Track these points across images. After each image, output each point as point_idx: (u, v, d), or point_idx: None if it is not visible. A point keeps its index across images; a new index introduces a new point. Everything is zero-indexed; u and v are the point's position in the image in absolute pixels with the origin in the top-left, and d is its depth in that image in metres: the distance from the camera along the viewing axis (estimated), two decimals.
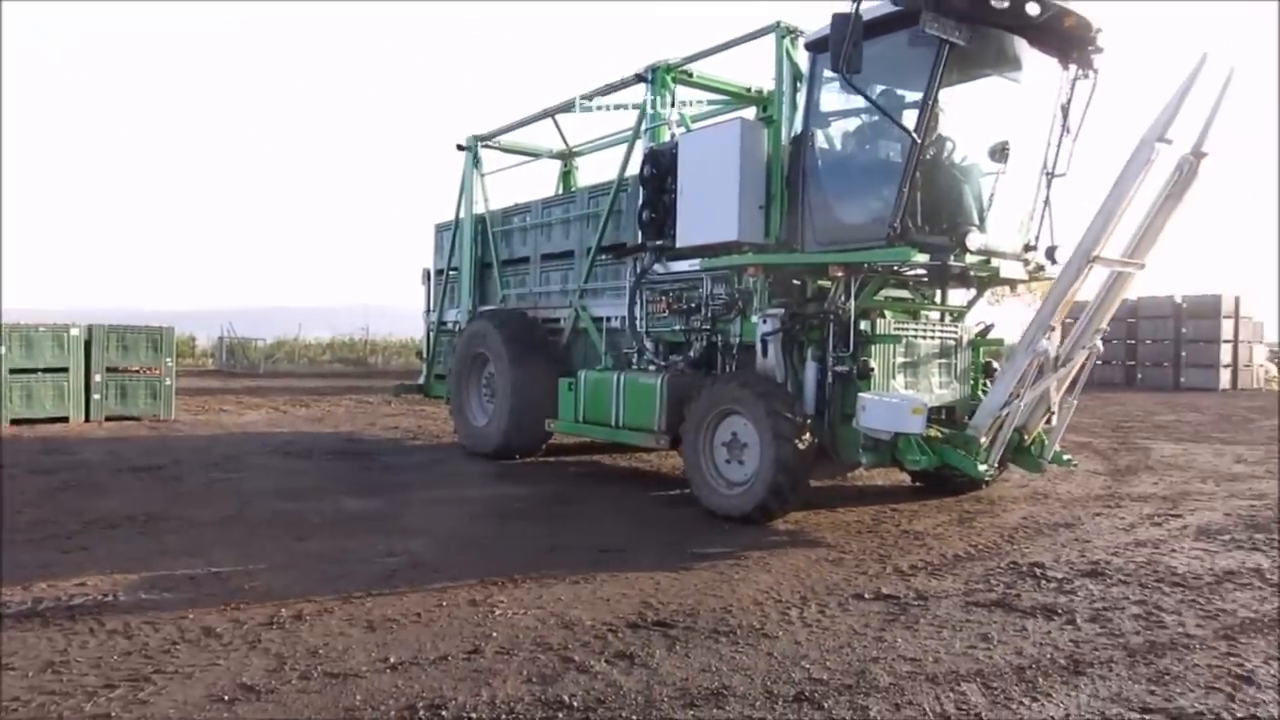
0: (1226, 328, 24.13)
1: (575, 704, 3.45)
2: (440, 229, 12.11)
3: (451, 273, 11.64)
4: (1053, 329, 6.34)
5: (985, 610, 4.73)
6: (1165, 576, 5.42)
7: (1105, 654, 4.09)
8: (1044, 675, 3.83)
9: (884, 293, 7.22)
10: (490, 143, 11.33)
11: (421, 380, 12.54)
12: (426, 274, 12.41)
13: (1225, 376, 24.09)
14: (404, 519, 6.82)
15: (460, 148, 11.31)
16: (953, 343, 7.46)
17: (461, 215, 11.27)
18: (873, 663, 3.94)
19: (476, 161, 11.17)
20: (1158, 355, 25.08)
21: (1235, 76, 5.76)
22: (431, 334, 12.19)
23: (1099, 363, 23.58)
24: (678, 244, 7.71)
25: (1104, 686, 3.71)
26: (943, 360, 7.37)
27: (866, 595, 4.95)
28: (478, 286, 11.18)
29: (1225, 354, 24.14)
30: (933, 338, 7.33)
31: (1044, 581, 5.28)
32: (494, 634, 4.22)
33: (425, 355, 12.51)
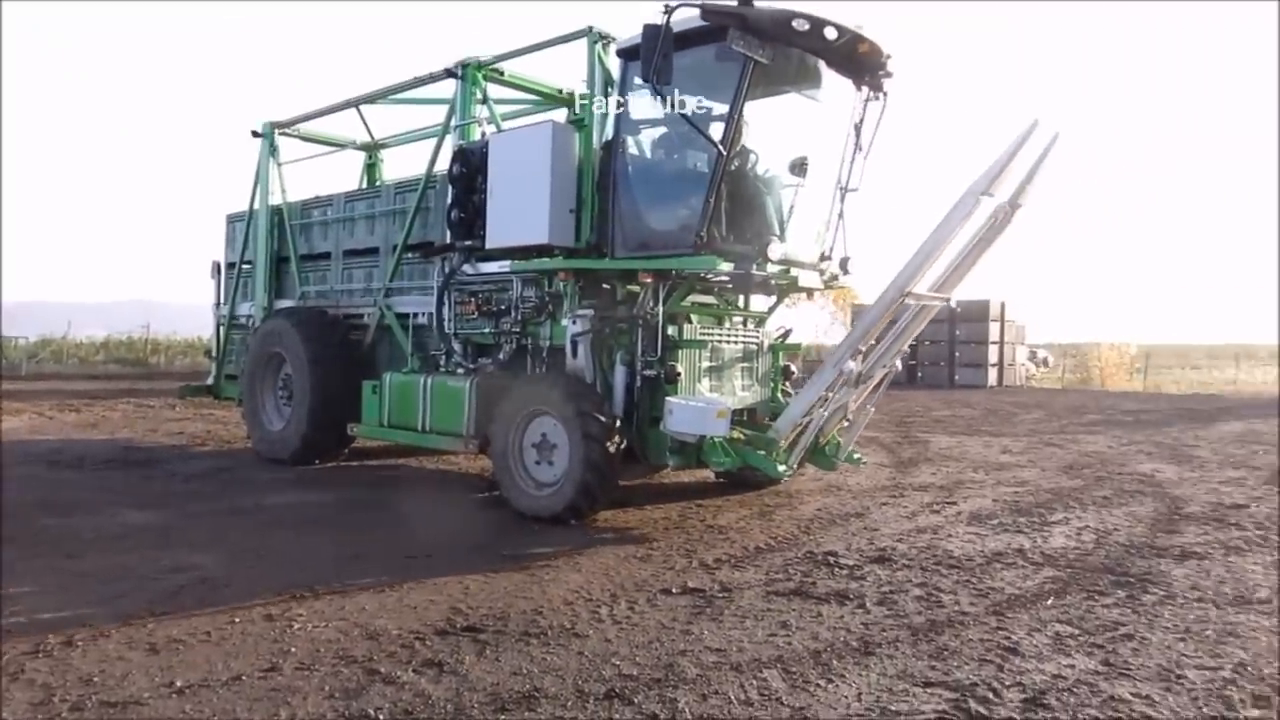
0: (994, 330, 26.37)
1: (381, 717, 3.34)
2: (232, 219, 11.41)
3: (245, 266, 10.99)
4: (860, 351, 6.66)
5: (784, 599, 4.95)
6: (943, 559, 5.87)
7: (892, 634, 4.38)
8: (838, 657, 4.05)
9: (690, 298, 7.41)
10: (289, 131, 10.79)
11: (210, 381, 11.76)
12: (216, 267, 11.64)
13: (993, 375, 26.32)
14: (191, 532, 6.38)
15: (255, 134, 10.70)
16: (755, 347, 7.78)
17: (256, 206, 10.67)
18: (680, 655, 4.04)
19: (273, 150, 10.61)
20: (935, 355, 27.09)
21: (1059, 141, 6.15)
22: (222, 330, 11.46)
23: None
24: (487, 245, 7.61)
25: (891, 665, 3.97)
26: (745, 364, 7.68)
27: (674, 590, 5.08)
28: (273, 282, 10.62)
29: (993, 354, 26.38)
30: (736, 342, 7.62)
31: (837, 569, 5.59)
32: (293, 649, 4.02)
33: (215, 354, 11.75)
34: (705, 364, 7.25)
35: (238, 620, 4.40)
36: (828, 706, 3.53)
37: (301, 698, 3.50)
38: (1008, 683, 3.79)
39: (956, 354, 26.58)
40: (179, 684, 3.60)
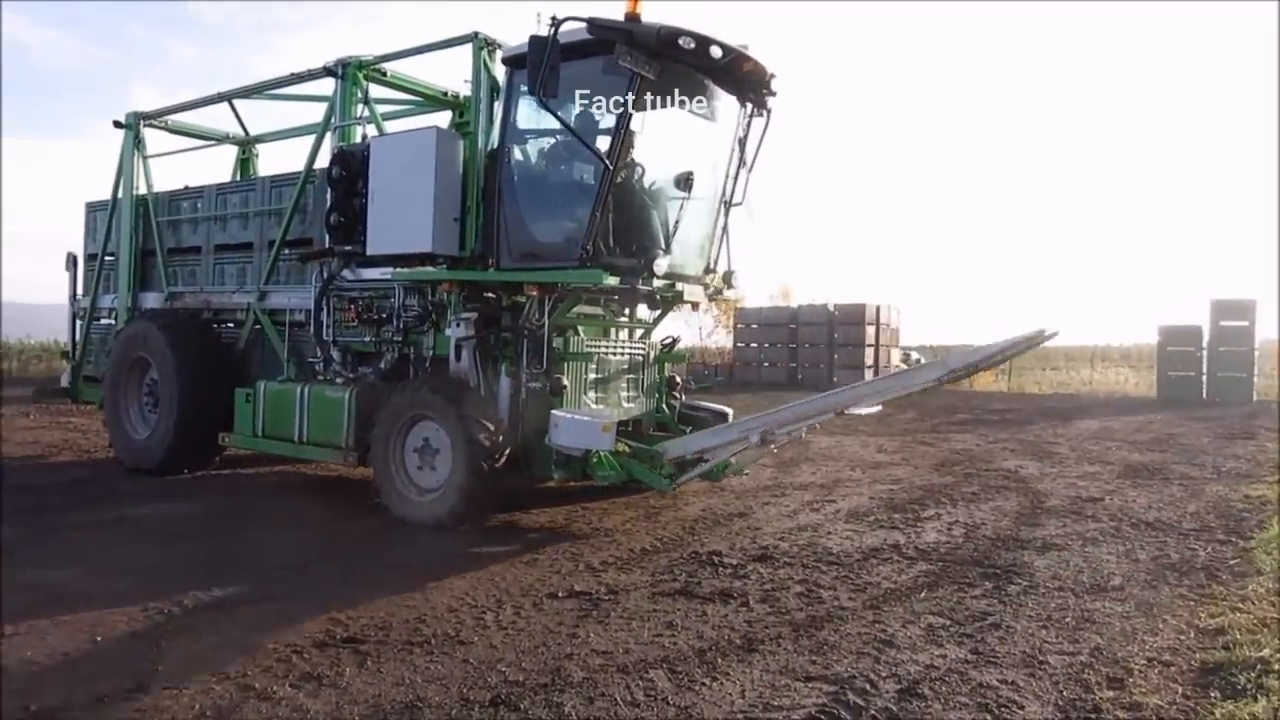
0: (870, 333, 27.26)
1: None
2: (93, 208, 10.73)
3: (107, 259, 10.40)
4: (773, 433, 6.58)
5: (670, 599, 5.00)
6: (823, 556, 6.03)
7: (774, 631, 4.48)
8: (722, 655, 4.12)
9: (577, 309, 7.35)
10: (155, 122, 10.28)
11: (67, 382, 11.06)
12: (72, 259, 10.92)
13: (869, 376, 27.18)
14: (47, 547, 6.01)
15: (119, 125, 10.16)
16: (640, 358, 7.81)
17: (120, 196, 10.12)
18: (567, 659, 4.04)
19: (138, 142, 10.08)
20: (815, 358, 27.82)
21: (1047, 338, 5.99)
22: (80, 325, 10.78)
23: (765, 364, 25.32)
24: (368, 252, 7.40)
25: (774, 661, 4.06)
26: (631, 375, 7.71)
27: (560, 594, 5.06)
28: (138, 277, 10.06)
29: (869, 356, 27.27)
30: (622, 354, 7.64)
31: (721, 568, 5.68)
32: (160, 667, 3.84)
33: (73, 354, 11.05)
34: (591, 376, 7.26)
35: (100, 639, 4.18)
36: (712, 704, 3.59)
37: (169, 718, 3.34)
38: (884, 674, 3.92)
39: (835, 356, 27.36)
40: (34, 708, 3.40)
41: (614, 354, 7.57)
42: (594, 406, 7.19)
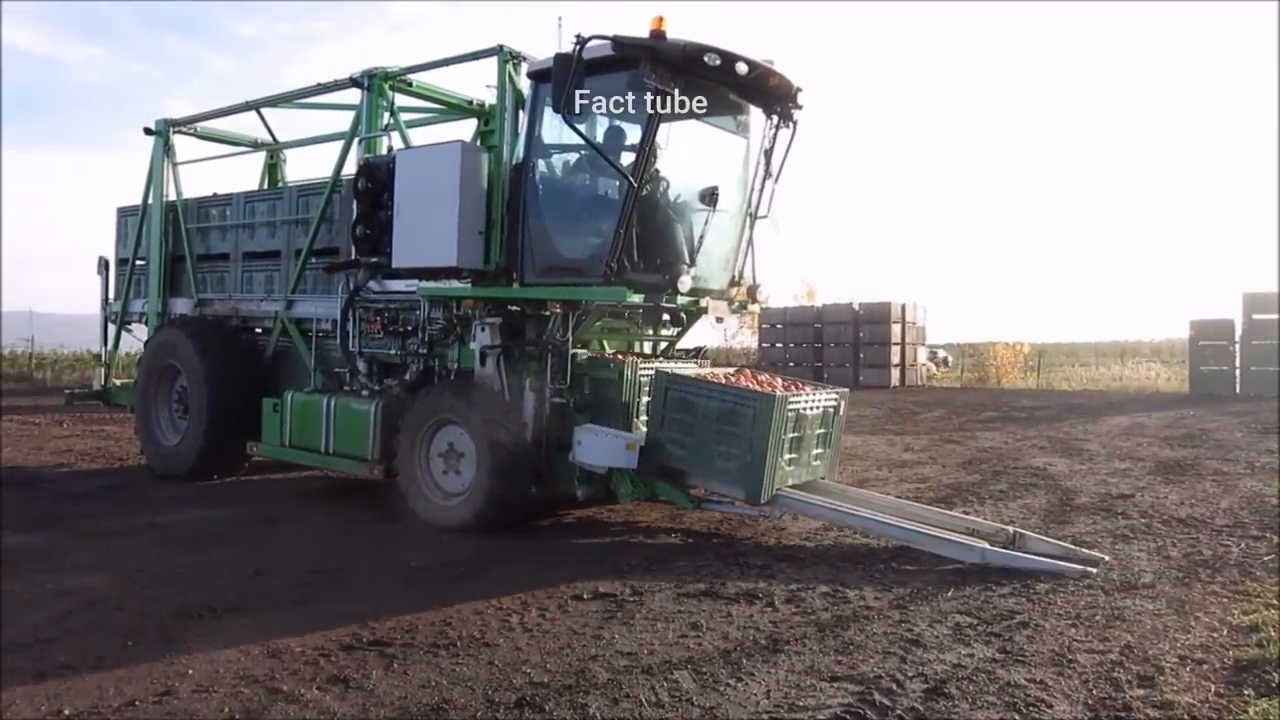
0: (895, 332, 27.09)
1: None
2: (124, 213, 10.83)
3: (138, 263, 10.53)
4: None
5: (695, 600, 4.99)
6: (849, 555, 6.01)
7: (800, 631, 4.46)
8: (747, 656, 4.11)
9: (600, 323, 7.32)
10: (185, 129, 10.41)
11: (99, 386, 11.18)
12: (104, 263, 11.01)
13: (895, 374, 27.02)
14: (80, 553, 6.09)
15: (149, 132, 10.29)
16: (832, 411, 7.69)
17: (150, 202, 10.24)
18: (592, 661, 4.04)
19: (168, 149, 10.20)
20: (840, 357, 27.67)
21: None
22: (112, 329, 10.90)
23: (791, 364, 25.23)
24: (394, 264, 7.41)
25: (799, 661, 4.05)
26: (821, 431, 7.57)
27: (585, 595, 5.07)
28: (168, 283, 10.17)
29: (895, 355, 27.10)
30: (817, 409, 7.54)
31: (747, 569, 5.67)
32: (190, 671, 3.88)
33: (104, 357, 11.17)
34: (790, 434, 6.68)
35: (131, 643, 4.23)
36: (738, 705, 3.58)
37: None
38: (910, 674, 3.90)
39: (860, 355, 27.20)
40: (68, 712, 3.45)
41: (810, 410, 7.09)
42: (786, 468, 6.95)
